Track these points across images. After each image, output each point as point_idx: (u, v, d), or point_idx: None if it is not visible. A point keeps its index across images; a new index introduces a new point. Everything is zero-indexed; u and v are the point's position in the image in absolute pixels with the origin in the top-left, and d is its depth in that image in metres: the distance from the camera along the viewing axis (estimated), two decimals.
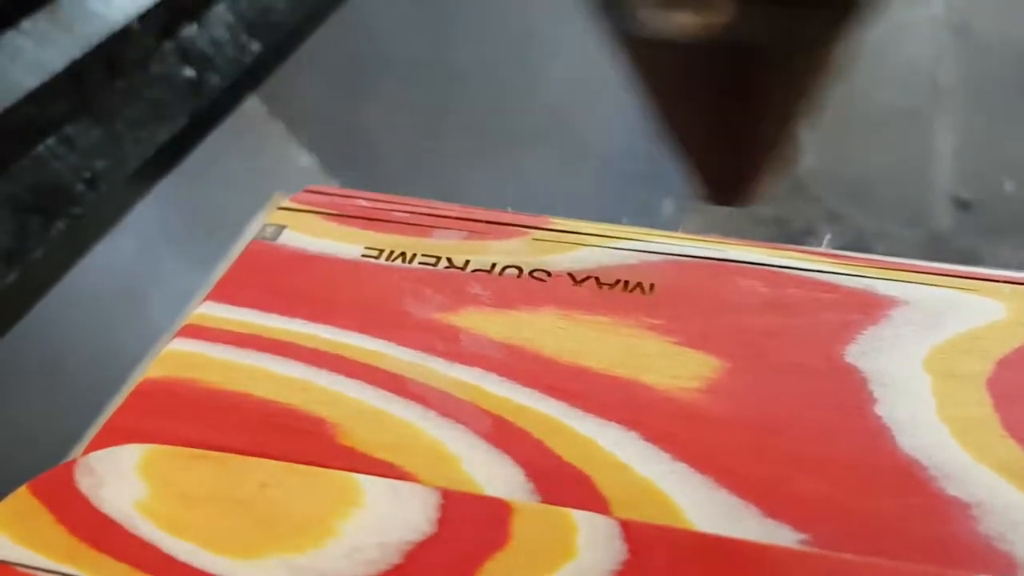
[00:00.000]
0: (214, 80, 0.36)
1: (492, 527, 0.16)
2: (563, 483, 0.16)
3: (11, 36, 0.32)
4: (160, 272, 0.30)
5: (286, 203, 0.24)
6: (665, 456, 0.17)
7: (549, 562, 0.15)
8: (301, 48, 0.42)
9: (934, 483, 0.16)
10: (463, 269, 0.22)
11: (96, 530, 0.16)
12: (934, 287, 0.20)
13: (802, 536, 0.15)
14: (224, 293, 0.21)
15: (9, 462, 0.20)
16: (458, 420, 0.18)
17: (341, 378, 0.19)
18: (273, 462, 0.17)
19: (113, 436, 0.18)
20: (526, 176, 0.35)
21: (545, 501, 0.16)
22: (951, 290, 0.20)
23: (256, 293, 0.21)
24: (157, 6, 0.35)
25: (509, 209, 0.24)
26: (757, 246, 0.22)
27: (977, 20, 0.54)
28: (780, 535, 0.15)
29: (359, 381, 0.19)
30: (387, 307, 0.21)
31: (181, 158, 0.34)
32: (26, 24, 0.33)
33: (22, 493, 0.17)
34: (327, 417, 0.18)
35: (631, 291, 0.21)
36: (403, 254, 0.22)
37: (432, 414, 0.18)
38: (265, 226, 0.23)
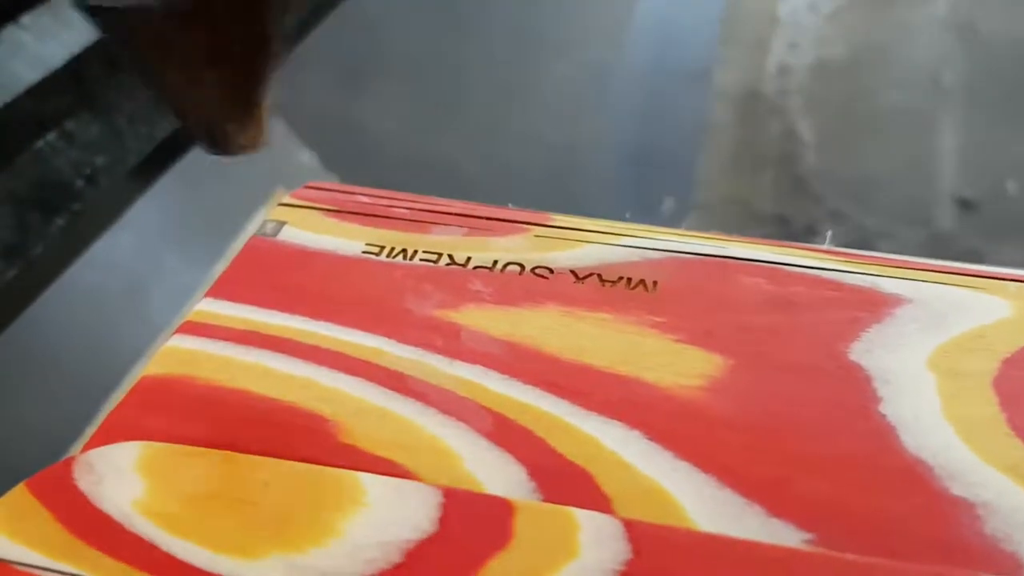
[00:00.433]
0: None
1: (494, 526, 0.15)
2: (565, 482, 0.16)
3: (11, 31, 0.32)
4: (160, 268, 0.30)
5: (286, 199, 0.24)
6: (668, 455, 0.17)
7: (551, 561, 0.15)
8: (302, 45, 0.42)
9: (939, 483, 0.16)
10: (464, 266, 0.21)
11: (94, 528, 0.16)
12: (939, 285, 0.20)
13: (806, 536, 0.15)
14: (224, 290, 0.21)
15: (8, 458, 0.20)
16: (459, 418, 0.18)
17: (342, 375, 0.19)
18: (273, 460, 0.17)
19: (112, 433, 0.18)
20: (525, 173, 0.34)
21: (547, 500, 0.16)
22: (957, 288, 0.20)
23: (256, 290, 0.21)
24: None
25: (511, 205, 0.23)
26: (760, 243, 0.22)
27: (981, 21, 0.54)
28: (783, 535, 0.15)
29: (360, 378, 0.19)
30: (388, 304, 0.20)
31: (181, 154, 0.34)
32: (26, 19, 0.32)
33: (20, 491, 0.16)
34: (327, 415, 0.18)
35: (634, 288, 0.21)
36: (404, 251, 0.22)
37: (433, 412, 0.18)
38: (265, 222, 0.23)
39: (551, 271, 0.21)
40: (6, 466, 0.18)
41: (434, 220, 0.23)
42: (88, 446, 0.17)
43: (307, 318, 0.20)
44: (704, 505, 0.16)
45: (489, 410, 0.18)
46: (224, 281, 0.21)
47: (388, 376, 0.19)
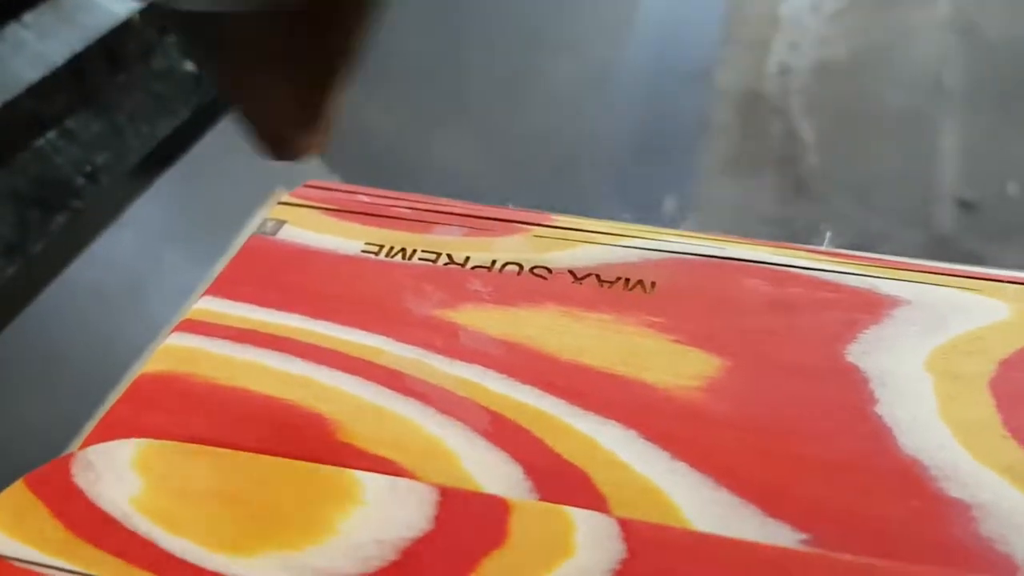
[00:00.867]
0: None
1: (490, 525, 0.16)
2: (562, 481, 0.16)
3: (13, 28, 0.32)
4: (161, 266, 0.30)
5: (286, 198, 0.24)
6: (664, 455, 0.17)
7: (547, 560, 0.15)
8: None
9: (935, 484, 0.16)
10: (463, 266, 0.21)
11: (92, 525, 0.16)
12: (937, 287, 0.20)
13: (802, 536, 0.15)
14: (223, 288, 0.21)
15: (9, 456, 0.20)
16: (457, 417, 0.18)
17: (340, 374, 0.19)
18: (271, 458, 0.17)
19: (110, 430, 0.18)
20: (525, 172, 0.34)
21: (543, 499, 0.16)
22: (954, 290, 0.20)
23: (255, 288, 0.21)
24: None
25: (510, 205, 0.23)
26: (759, 244, 0.22)
27: (983, 22, 0.54)
28: (779, 535, 0.15)
29: (358, 377, 0.19)
30: (387, 303, 0.20)
31: (182, 152, 0.34)
32: (28, 17, 0.33)
33: (19, 487, 0.16)
34: (326, 413, 0.18)
35: (632, 289, 0.21)
36: (403, 250, 0.22)
37: (431, 411, 0.18)
38: (265, 221, 0.23)
39: (550, 271, 0.21)
40: (6, 463, 0.18)
41: (433, 220, 0.23)
42: (86, 443, 0.17)
43: (306, 317, 0.20)
44: (700, 505, 0.16)
45: (487, 409, 0.18)
46: (223, 279, 0.21)
47: (386, 375, 0.19)
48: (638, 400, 0.18)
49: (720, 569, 0.15)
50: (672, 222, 0.31)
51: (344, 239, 0.22)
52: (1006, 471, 0.16)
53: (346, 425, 0.18)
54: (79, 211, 0.29)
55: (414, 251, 0.22)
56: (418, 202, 0.24)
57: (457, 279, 0.21)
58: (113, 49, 0.33)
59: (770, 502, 0.16)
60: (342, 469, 0.17)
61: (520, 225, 0.23)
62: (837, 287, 0.20)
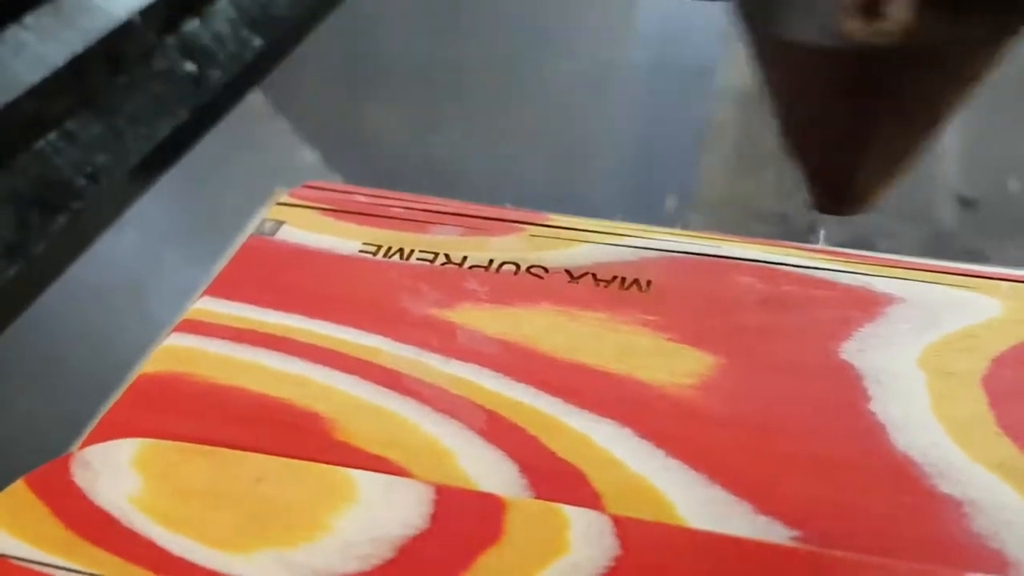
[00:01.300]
0: (216, 75, 0.36)
1: (485, 522, 0.16)
2: (557, 479, 0.16)
3: (13, 30, 0.32)
4: (161, 267, 0.30)
5: (284, 198, 0.24)
6: (659, 453, 0.17)
7: (541, 557, 0.15)
8: (303, 43, 0.42)
9: (927, 481, 0.16)
10: (460, 265, 0.22)
11: (92, 524, 0.16)
12: (931, 284, 0.20)
13: (794, 533, 0.15)
14: (221, 288, 0.21)
15: (9, 456, 0.20)
16: (453, 416, 0.18)
17: (337, 373, 0.19)
18: (268, 457, 0.17)
19: (109, 430, 0.18)
20: (525, 172, 0.35)
21: (538, 497, 0.16)
22: (948, 287, 0.20)
23: (253, 288, 0.21)
24: (159, 1, 0.35)
25: (507, 205, 0.24)
26: (754, 243, 0.22)
27: None
28: (772, 532, 0.15)
29: (355, 376, 0.19)
30: (384, 303, 0.21)
31: (182, 153, 0.34)
32: (28, 19, 0.33)
33: (19, 486, 0.17)
34: (322, 412, 0.18)
35: (628, 288, 0.21)
36: (400, 250, 0.22)
37: (427, 410, 0.18)
38: (263, 221, 0.23)
39: (546, 270, 0.21)
40: (6, 462, 0.18)
41: (431, 220, 0.23)
42: (86, 443, 0.18)
43: (304, 317, 0.20)
44: (694, 503, 0.16)
45: (482, 408, 0.18)
46: (222, 280, 0.22)
47: (384, 374, 0.19)
48: (633, 398, 0.18)
49: (713, 566, 0.15)
50: (674, 220, 0.31)
51: (342, 239, 0.23)
52: (998, 468, 0.16)
53: (343, 424, 0.18)
54: (79, 212, 0.30)
55: (412, 251, 0.22)
56: (416, 202, 0.24)
57: (454, 279, 0.21)
58: (113, 50, 0.33)
59: (763, 499, 0.16)
60: (339, 468, 0.17)
61: (517, 225, 0.23)
62: (831, 285, 0.20)
